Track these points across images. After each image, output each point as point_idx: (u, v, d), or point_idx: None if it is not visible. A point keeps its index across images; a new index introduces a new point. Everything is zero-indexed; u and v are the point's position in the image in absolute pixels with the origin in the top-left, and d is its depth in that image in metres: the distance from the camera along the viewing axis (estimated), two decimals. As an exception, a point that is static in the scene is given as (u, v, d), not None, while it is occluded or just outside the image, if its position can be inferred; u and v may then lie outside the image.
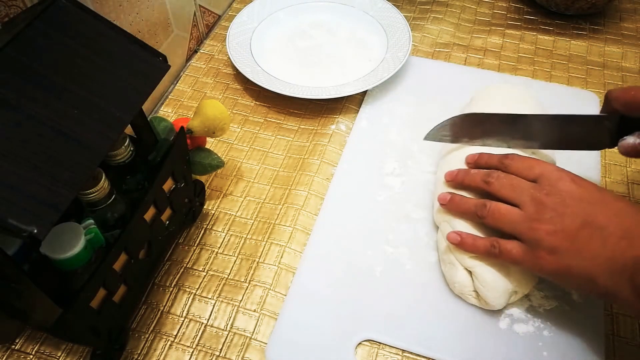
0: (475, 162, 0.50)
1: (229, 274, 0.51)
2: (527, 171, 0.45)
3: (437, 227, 0.52)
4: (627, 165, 0.59)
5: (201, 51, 0.75)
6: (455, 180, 0.49)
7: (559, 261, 0.40)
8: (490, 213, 0.44)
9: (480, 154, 0.50)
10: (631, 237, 0.38)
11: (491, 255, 0.44)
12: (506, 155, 0.47)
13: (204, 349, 0.46)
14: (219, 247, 0.53)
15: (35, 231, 0.29)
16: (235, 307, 0.48)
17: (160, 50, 0.41)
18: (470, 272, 0.46)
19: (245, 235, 0.54)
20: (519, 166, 0.45)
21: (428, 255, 0.51)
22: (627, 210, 0.40)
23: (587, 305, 0.47)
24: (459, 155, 0.52)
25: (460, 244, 0.45)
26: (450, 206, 0.48)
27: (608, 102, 0.47)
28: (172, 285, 0.50)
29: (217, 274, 0.51)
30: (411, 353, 0.45)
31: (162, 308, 0.48)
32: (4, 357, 0.45)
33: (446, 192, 0.49)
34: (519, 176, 0.45)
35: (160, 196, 0.44)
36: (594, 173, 0.57)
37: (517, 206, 0.43)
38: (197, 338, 0.47)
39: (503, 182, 0.45)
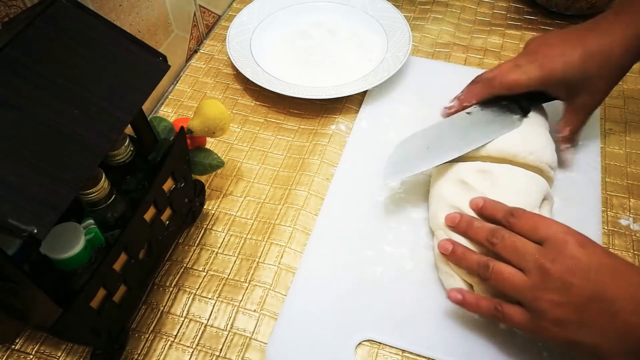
0: (480, 212, 0.47)
1: (229, 274, 0.51)
2: (532, 232, 0.42)
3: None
4: (627, 166, 0.59)
5: (201, 51, 0.75)
6: (458, 229, 0.46)
7: (565, 334, 0.38)
8: (493, 275, 0.42)
9: (485, 202, 0.46)
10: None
11: (494, 317, 0.42)
12: (512, 212, 0.44)
13: (204, 349, 0.46)
14: (219, 247, 0.53)
15: (35, 231, 0.29)
16: (235, 307, 0.48)
17: (160, 50, 0.41)
18: (469, 283, 0.46)
19: (245, 235, 0.54)
20: (524, 225, 0.42)
21: (428, 255, 0.51)
22: (638, 280, 0.38)
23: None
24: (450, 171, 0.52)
25: (462, 303, 0.44)
26: (451, 258, 0.46)
27: (488, 86, 0.54)
28: (172, 285, 0.50)
29: (217, 274, 0.51)
30: (411, 353, 0.45)
31: (162, 308, 0.48)
32: (4, 357, 0.45)
33: (447, 240, 0.46)
34: (524, 236, 0.42)
35: (160, 196, 0.44)
36: (594, 173, 0.57)
37: (522, 270, 0.41)
38: (197, 338, 0.47)
39: (507, 243, 0.42)
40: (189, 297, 0.49)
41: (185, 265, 0.51)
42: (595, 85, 0.52)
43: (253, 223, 0.55)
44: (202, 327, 0.47)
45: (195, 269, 0.51)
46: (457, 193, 0.49)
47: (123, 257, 0.41)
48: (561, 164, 0.55)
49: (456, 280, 0.46)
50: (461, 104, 0.56)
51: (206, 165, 0.54)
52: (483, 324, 0.46)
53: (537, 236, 0.41)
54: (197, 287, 0.50)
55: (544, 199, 0.49)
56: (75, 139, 0.33)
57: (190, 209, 0.52)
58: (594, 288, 0.38)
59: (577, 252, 0.39)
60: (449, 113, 0.56)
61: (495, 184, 0.48)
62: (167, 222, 0.47)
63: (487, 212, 0.46)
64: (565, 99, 0.54)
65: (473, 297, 0.44)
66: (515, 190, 0.48)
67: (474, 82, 0.56)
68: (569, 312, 0.38)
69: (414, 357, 0.45)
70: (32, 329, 0.47)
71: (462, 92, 0.57)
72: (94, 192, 0.39)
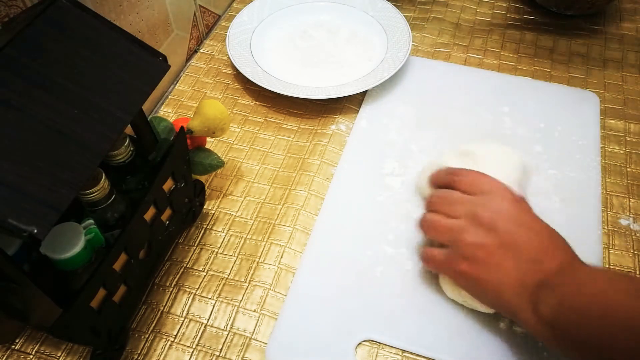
0: (434, 183, 0.51)
1: (229, 274, 0.51)
2: (473, 187, 0.46)
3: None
4: (627, 166, 0.59)
5: (201, 51, 0.75)
6: (423, 230, 0.49)
7: (473, 271, 0.43)
8: (425, 223, 0.48)
9: (434, 174, 0.51)
10: (540, 262, 0.41)
11: (423, 261, 0.48)
12: (454, 172, 0.49)
13: (204, 349, 0.46)
14: (219, 247, 0.53)
15: (35, 231, 0.29)
16: (235, 307, 0.48)
17: (160, 50, 0.41)
18: None
19: (245, 235, 0.54)
20: (466, 182, 0.47)
21: (428, 255, 0.51)
22: (545, 236, 0.43)
23: (587, 305, 0.47)
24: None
25: (422, 259, 0.48)
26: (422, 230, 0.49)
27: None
28: (172, 285, 0.50)
29: (217, 274, 0.51)
30: (411, 353, 0.45)
31: (162, 308, 0.48)
32: (4, 357, 0.45)
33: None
34: (467, 192, 0.46)
35: (160, 196, 0.44)
36: (594, 173, 0.57)
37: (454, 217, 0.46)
38: (197, 338, 0.47)
39: (441, 197, 0.48)
40: (189, 297, 0.49)
41: (185, 265, 0.51)
42: None
43: (253, 223, 0.55)
44: (202, 327, 0.47)
45: (195, 269, 0.51)
46: None
47: (123, 257, 0.41)
48: None
49: (446, 284, 0.48)
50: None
51: (206, 165, 0.54)
52: (483, 324, 0.46)
53: (478, 189, 0.46)
54: (197, 287, 0.50)
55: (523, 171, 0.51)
56: (75, 139, 0.33)
57: (190, 209, 0.52)
58: (508, 237, 0.42)
59: (504, 205, 0.44)
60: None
61: (477, 163, 0.50)
62: (167, 222, 0.47)
63: (436, 181, 0.51)
64: None
65: (423, 250, 0.48)
66: (495, 166, 0.50)
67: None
68: (482, 252, 0.42)
69: (414, 357, 0.45)
70: (32, 329, 0.47)
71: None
72: (94, 192, 0.39)
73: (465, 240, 0.43)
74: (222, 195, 0.57)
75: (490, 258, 0.42)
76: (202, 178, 0.56)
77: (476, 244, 0.43)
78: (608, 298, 0.36)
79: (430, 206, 0.48)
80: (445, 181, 0.49)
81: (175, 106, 0.67)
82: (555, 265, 0.40)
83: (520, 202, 0.45)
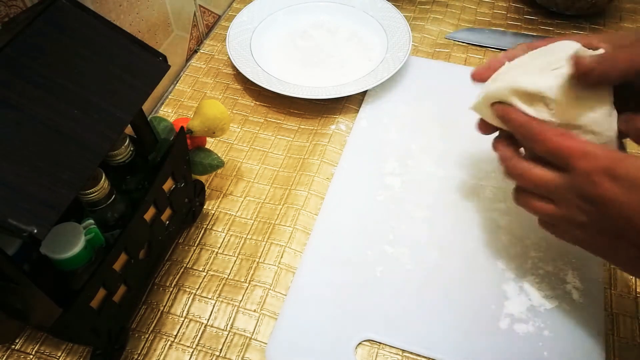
0: (504, 118, 0.44)
1: (229, 274, 0.51)
2: (555, 159, 0.39)
3: (437, 227, 0.52)
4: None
5: (201, 51, 0.75)
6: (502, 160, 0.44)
7: (594, 246, 0.40)
8: (521, 202, 0.44)
9: (509, 111, 0.43)
10: None
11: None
12: (532, 131, 0.41)
13: (204, 349, 0.46)
14: (219, 247, 0.53)
15: (35, 231, 0.29)
16: (235, 307, 0.48)
17: (160, 50, 0.41)
18: None
19: (245, 235, 0.54)
20: (544, 152, 0.40)
21: (428, 255, 0.51)
22: None
23: (587, 305, 0.47)
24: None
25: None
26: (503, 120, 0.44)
27: None
28: (172, 285, 0.50)
29: (217, 274, 0.51)
30: (411, 353, 0.45)
31: (162, 308, 0.48)
32: (4, 357, 0.45)
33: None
34: (547, 159, 0.40)
35: (160, 196, 0.44)
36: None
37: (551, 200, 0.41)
38: (197, 338, 0.47)
39: (526, 179, 0.42)
40: (189, 297, 0.49)
41: (185, 265, 0.51)
42: None
43: (253, 223, 0.55)
44: (202, 327, 0.47)
45: (195, 269, 0.51)
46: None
47: (123, 257, 0.41)
48: None
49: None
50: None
51: (206, 165, 0.54)
52: (483, 324, 0.46)
53: (562, 163, 0.39)
54: (197, 287, 0.50)
55: None
56: (75, 139, 0.33)
57: (190, 209, 0.52)
58: (622, 225, 0.36)
59: (607, 190, 0.36)
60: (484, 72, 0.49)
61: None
62: (167, 222, 0.47)
63: (504, 121, 0.44)
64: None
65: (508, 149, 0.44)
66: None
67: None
68: (600, 241, 0.39)
69: (414, 357, 0.45)
70: (32, 329, 0.47)
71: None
72: (94, 192, 0.39)
73: (573, 231, 0.40)
74: (222, 195, 0.57)
75: (612, 241, 0.38)
76: (202, 178, 0.56)
77: (590, 235, 0.39)
78: None
79: (521, 184, 0.43)
80: (518, 132, 0.42)
81: (175, 106, 0.67)
82: None
83: (626, 178, 0.35)
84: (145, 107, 0.43)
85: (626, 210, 0.35)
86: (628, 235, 0.36)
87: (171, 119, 0.57)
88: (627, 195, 0.35)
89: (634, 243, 0.36)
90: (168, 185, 0.46)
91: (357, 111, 0.65)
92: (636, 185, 0.35)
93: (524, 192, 0.43)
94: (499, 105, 0.44)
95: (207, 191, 0.57)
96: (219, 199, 0.57)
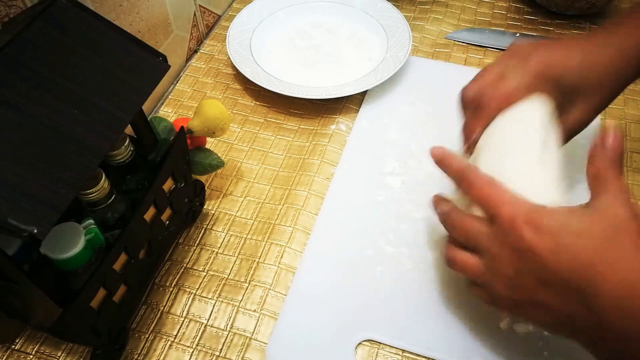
0: (440, 164, 0.45)
1: (229, 274, 0.51)
2: (482, 206, 0.40)
3: (437, 227, 0.52)
4: (627, 166, 0.59)
5: (201, 51, 0.75)
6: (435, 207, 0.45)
7: (519, 312, 0.39)
8: (448, 256, 0.42)
9: (440, 155, 0.44)
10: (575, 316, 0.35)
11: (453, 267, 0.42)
12: (462, 177, 0.42)
13: (204, 349, 0.46)
14: (219, 247, 0.53)
15: (35, 231, 0.29)
16: (235, 307, 0.48)
17: (160, 50, 0.41)
18: None
19: (245, 235, 0.54)
20: (474, 197, 0.41)
21: (428, 255, 0.51)
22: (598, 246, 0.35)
23: (587, 305, 0.47)
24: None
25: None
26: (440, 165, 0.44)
27: (484, 111, 0.46)
28: (172, 285, 0.50)
29: (217, 274, 0.51)
30: (411, 353, 0.45)
31: (162, 308, 0.48)
32: (4, 357, 0.45)
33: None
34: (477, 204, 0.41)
35: (160, 196, 0.44)
36: (594, 173, 0.57)
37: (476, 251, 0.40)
38: (197, 338, 0.47)
39: (456, 226, 0.42)
40: (189, 297, 0.49)
41: (185, 265, 0.51)
42: (588, 101, 0.47)
43: (253, 223, 0.55)
44: (202, 327, 0.47)
45: (195, 269, 0.51)
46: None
47: (123, 257, 0.41)
48: None
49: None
50: (470, 140, 0.48)
51: (206, 165, 0.54)
52: (483, 324, 0.46)
53: (487, 212, 0.39)
54: (197, 287, 0.50)
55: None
56: (75, 139, 0.33)
57: (190, 209, 0.52)
58: (541, 273, 0.35)
59: (527, 238, 0.36)
60: (469, 150, 0.49)
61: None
62: (167, 222, 0.47)
63: (442, 167, 0.44)
64: (567, 100, 0.47)
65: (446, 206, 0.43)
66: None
67: (464, 107, 0.50)
68: (521, 294, 0.37)
69: (414, 357, 0.45)
70: (32, 329, 0.47)
71: (463, 125, 0.50)
72: (94, 192, 0.39)
73: (498, 286, 0.38)
74: (222, 195, 0.57)
75: (534, 296, 0.37)
76: (202, 178, 0.56)
77: (513, 287, 0.37)
78: None
79: (449, 232, 0.43)
80: (452, 177, 0.43)
81: (175, 106, 0.67)
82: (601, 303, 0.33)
83: (547, 227, 0.35)
84: (145, 107, 0.43)
85: (545, 258, 0.35)
86: (546, 288, 0.36)
87: (171, 119, 0.57)
88: (547, 243, 0.35)
89: (552, 301, 0.36)
90: (168, 185, 0.46)
91: (357, 111, 0.65)
92: (555, 234, 0.35)
93: (455, 246, 0.42)
94: (439, 149, 0.44)
95: (207, 191, 0.57)
96: (219, 199, 0.57)
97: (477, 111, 0.47)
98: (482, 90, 0.47)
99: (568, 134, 0.48)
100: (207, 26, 0.79)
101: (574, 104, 0.47)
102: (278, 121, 0.65)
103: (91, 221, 0.40)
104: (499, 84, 0.46)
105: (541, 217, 0.36)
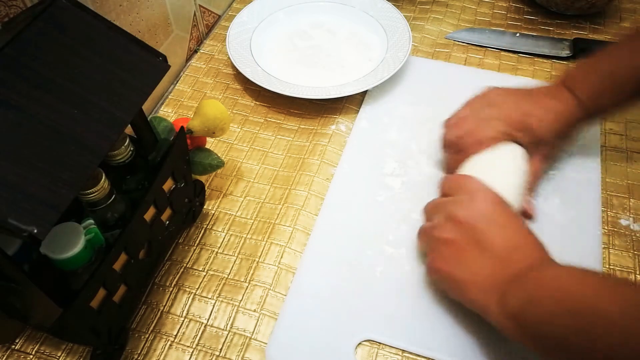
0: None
1: (229, 274, 0.51)
2: (453, 190, 0.48)
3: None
4: (627, 165, 0.59)
5: (201, 51, 0.75)
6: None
7: (442, 266, 0.44)
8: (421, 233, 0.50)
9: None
10: (510, 260, 0.42)
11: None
12: (442, 179, 0.51)
13: (204, 349, 0.46)
14: (219, 247, 0.53)
15: (35, 231, 0.29)
16: (235, 307, 0.48)
17: (160, 50, 0.41)
18: None
19: (245, 235, 0.54)
20: (448, 186, 0.49)
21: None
22: (520, 236, 0.43)
23: (587, 305, 0.47)
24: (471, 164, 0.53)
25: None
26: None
27: (461, 153, 0.54)
28: (172, 285, 0.50)
29: (217, 274, 0.51)
30: (411, 353, 0.45)
31: (162, 308, 0.48)
32: (4, 357, 0.45)
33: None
34: (449, 195, 0.48)
35: (160, 196, 0.44)
36: (594, 173, 0.57)
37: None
38: (197, 338, 0.47)
39: (429, 206, 0.50)
40: (189, 297, 0.49)
41: (185, 265, 0.51)
42: (551, 143, 0.54)
43: (253, 223, 0.55)
44: (202, 327, 0.47)
45: (195, 269, 0.51)
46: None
47: (123, 257, 0.41)
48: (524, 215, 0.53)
49: None
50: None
51: (206, 165, 0.54)
52: (483, 324, 0.46)
53: (459, 191, 0.47)
54: (197, 287, 0.50)
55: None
56: (75, 139, 0.33)
57: (190, 209, 0.52)
58: (481, 234, 0.43)
59: (483, 203, 0.45)
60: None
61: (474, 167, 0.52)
62: (167, 222, 0.47)
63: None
64: (529, 148, 0.54)
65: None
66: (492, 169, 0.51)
67: (444, 147, 0.56)
68: (452, 249, 0.44)
69: (414, 357, 0.45)
70: (32, 329, 0.47)
71: (444, 165, 0.58)
72: (94, 192, 0.39)
73: (436, 236, 0.45)
74: (222, 195, 0.57)
75: (460, 254, 0.43)
76: (202, 178, 0.56)
77: (446, 240, 0.44)
78: (574, 294, 0.36)
79: (424, 216, 0.51)
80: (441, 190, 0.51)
81: (175, 106, 0.67)
82: (525, 264, 0.41)
83: (499, 203, 0.45)
84: (145, 107, 0.43)
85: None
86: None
87: (171, 119, 0.57)
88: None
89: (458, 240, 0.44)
90: (168, 185, 0.46)
91: (357, 111, 0.65)
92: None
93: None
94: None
95: (207, 191, 0.57)
96: (219, 199, 0.57)
97: (458, 154, 0.54)
98: (461, 137, 0.53)
99: (543, 168, 0.55)
100: (207, 26, 0.79)
101: (543, 144, 0.53)
102: (278, 121, 0.65)
103: (91, 221, 0.40)
104: (476, 132, 0.53)
105: (500, 200, 0.45)
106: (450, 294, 0.46)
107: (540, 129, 0.52)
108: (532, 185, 0.54)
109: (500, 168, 0.50)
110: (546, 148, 0.54)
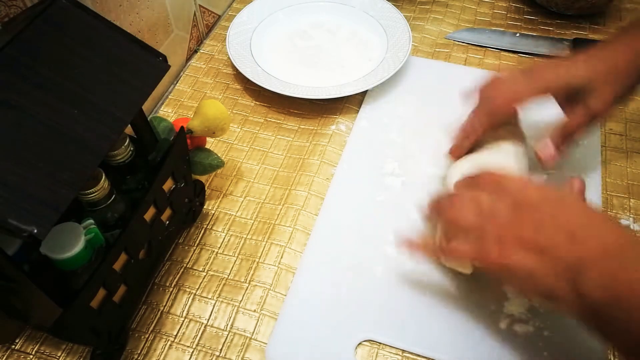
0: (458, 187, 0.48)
1: (229, 274, 0.51)
2: (492, 187, 0.43)
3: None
4: (627, 166, 0.59)
5: (201, 51, 0.75)
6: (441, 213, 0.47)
7: (503, 259, 0.39)
8: (443, 208, 0.45)
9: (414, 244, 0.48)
10: (576, 240, 0.37)
11: (439, 255, 0.46)
12: (475, 176, 0.46)
13: (204, 349, 0.46)
14: (219, 247, 0.53)
15: (35, 231, 0.29)
16: (235, 307, 0.48)
17: (160, 50, 0.41)
18: None
19: (245, 236, 0.54)
20: (485, 183, 0.44)
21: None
22: (578, 211, 0.40)
23: (587, 305, 0.47)
24: (464, 165, 0.52)
25: (409, 247, 0.47)
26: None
27: (491, 109, 0.52)
28: (172, 285, 0.50)
29: (217, 274, 0.51)
30: (411, 353, 0.45)
31: (162, 308, 0.48)
32: (4, 357, 0.45)
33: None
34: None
35: (160, 196, 0.44)
36: (594, 173, 0.57)
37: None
38: (197, 338, 0.47)
39: (449, 202, 0.45)
40: (189, 297, 0.49)
41: (185, 265, 0.51)
42: (601, 91, 0.50)
43: (253, 223, 0.55)
44: (202, 327, 0.47)
45: (195, 269, 0.51)
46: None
47: (123, 257, 0.41)
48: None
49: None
50: (466, 137, 0.53)
51: (206, 165, 0.54)
52: (483, 324, 0.46)
53: (500, 192, 0.42)
54: (197, 287, 0.50)
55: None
56: (75, 139, 0.33)
57: (190, 209, 0.52)
58: (535, 221, 0.39)
59: (528, 190, 0.41)
60: (458, 153, 0.54)
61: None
62: (167, 222, 0.47)
63: (464, 186, 0.48)
64: (568, 107, 0.52)
65: (419, 241, 0.47)
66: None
67: (476, 107, 0.54)
68: (510, 239, 0.39)
69: (414, 357, 0.45)
70: (32, 329, 0.47)
71: (466, 121, 0.54)
72: (94, 192, 0.39)
73: (491, 223, 0.40)
74: (222, 195, 0.57)
75: (519, 242, 0.39)
76: (202, 178, 0.56)
77: (503, 224, 0.40)
78: None
79: (440, 213, 0.46)
80: (470, 186, 0.46)
81: (175, 106, 0.67)
82: (600, 246, 0.36)
83: (544, 188, 0.41)
84: (145, 107, 0.43)
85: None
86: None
87: (171, 119, 0.57)
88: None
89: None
90: (168, 185, 0.46)
91: (357, 111, 0.65)
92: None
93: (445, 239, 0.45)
94: (406, 243, 0.48)
95: (207, 191, 0.57)
96: (219, 199, 0.57)
97: (485, 101, 0.53)
98: (494, 92, 0.52)
99: (583, 120, 0.51)
100: (207, 26, 0.79)
101: (587, 96, 0.50)
102: (278, 121, 0.65)
103: (91, 221, 0.40)
104: (512, 86, 0.52)
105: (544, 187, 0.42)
106: (516, 285, 0.42)
107: (575, 81, 0.49)
108: (562, 137, 0.51)
109: (503, 168, 0.50)
110: (593, 100, 0.50)
